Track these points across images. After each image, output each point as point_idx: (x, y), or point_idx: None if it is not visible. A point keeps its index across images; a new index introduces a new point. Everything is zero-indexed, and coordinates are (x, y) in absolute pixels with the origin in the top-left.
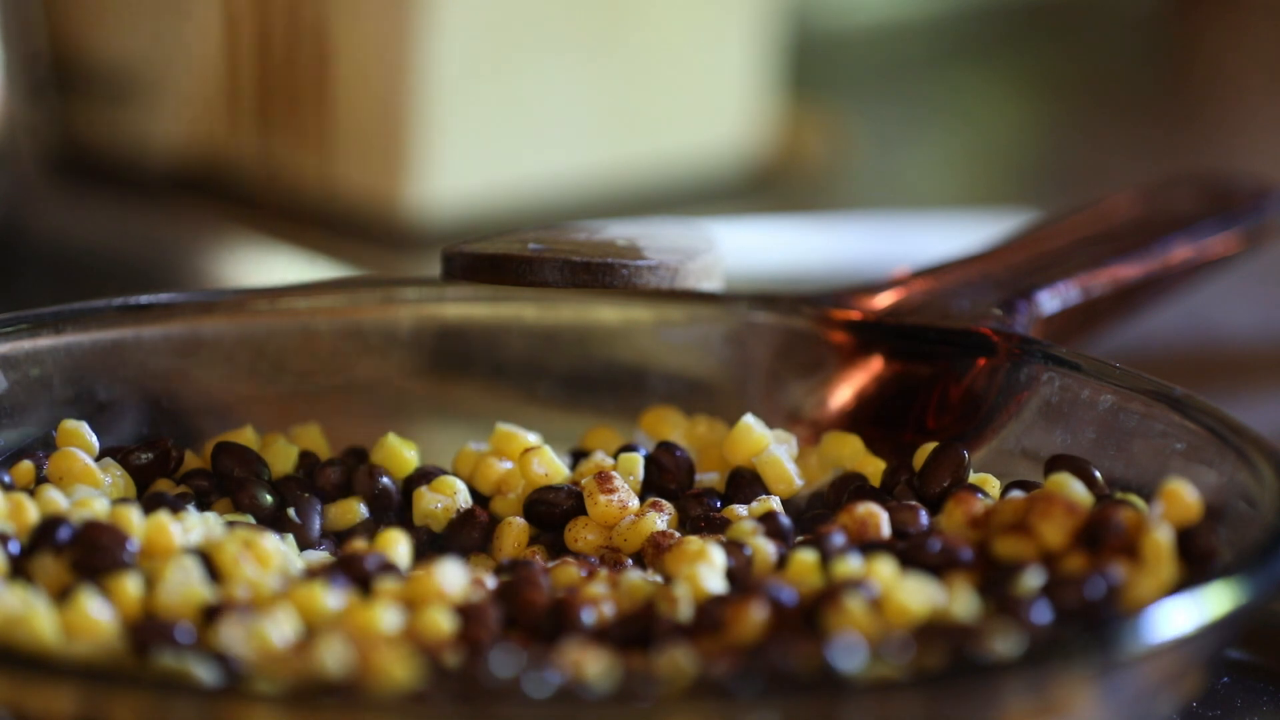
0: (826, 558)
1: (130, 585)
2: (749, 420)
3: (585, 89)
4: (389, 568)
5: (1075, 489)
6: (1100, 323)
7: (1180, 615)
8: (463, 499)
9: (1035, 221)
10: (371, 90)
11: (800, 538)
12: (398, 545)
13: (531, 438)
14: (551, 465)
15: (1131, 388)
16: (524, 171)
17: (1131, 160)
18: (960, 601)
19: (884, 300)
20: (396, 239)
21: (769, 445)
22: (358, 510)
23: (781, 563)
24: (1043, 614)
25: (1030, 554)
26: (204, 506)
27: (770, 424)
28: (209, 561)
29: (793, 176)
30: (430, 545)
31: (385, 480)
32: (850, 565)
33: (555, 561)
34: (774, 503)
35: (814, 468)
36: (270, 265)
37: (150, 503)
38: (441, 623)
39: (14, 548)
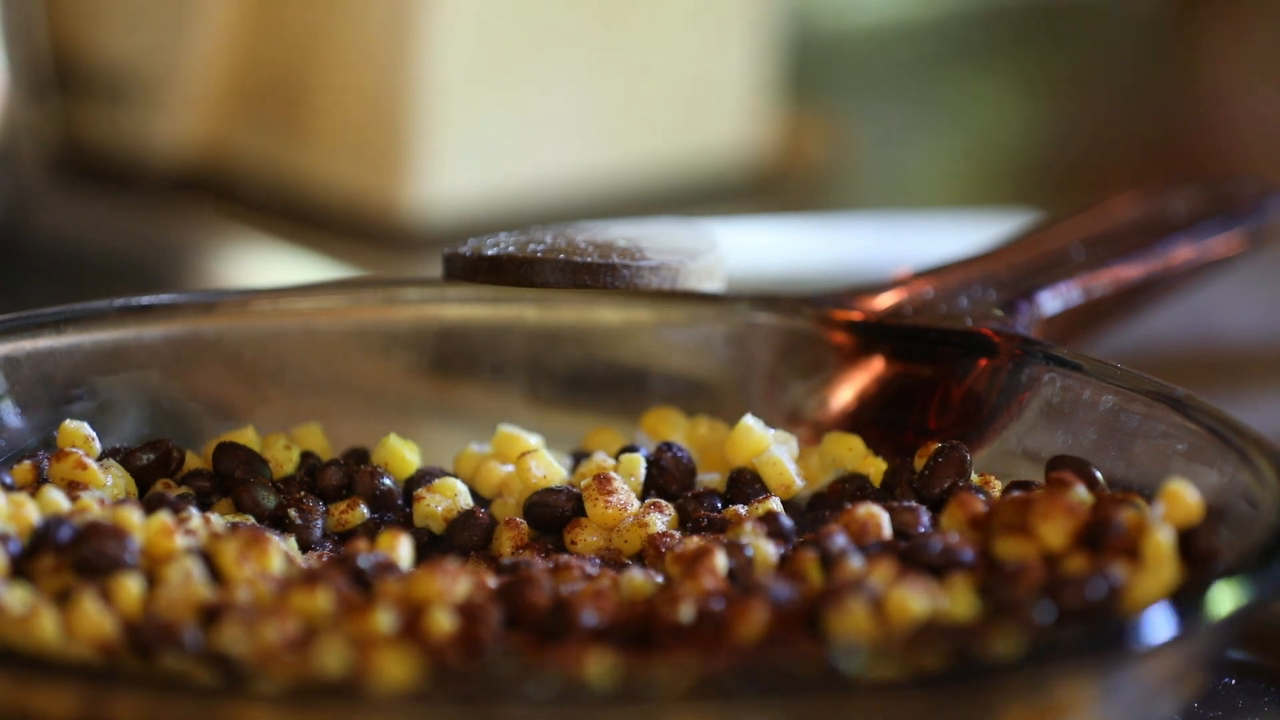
0: (827, 558)
1: (130, 585)
2: (750, 421)
3: (586, 89)
4: (389, 568)
5: (1076, 490)
6: (1101, 323)
7: (1181, 616)
8: (464, 500)
9: (1036, 222)
10: (372, 90)
11: (801, 538)
12: (399, 545)
13: (533, 440)
14: (549, 467)
15: (1133, 388)
16: (524, 172)
17: (1131, 160)
18: (961, 602)
19: (885, 301)
20: (396, 239)
21: (770, 446)
22: (359, 511)
23: (782, 563)
24: (1043, 614)
25: (1031, 555)
26: (205, 507)
27: (771, 425)
28: (210, 562)
29: (794, 177)
30: (430, 545)
31: (387, 481)
32: (851, 566)
33: (556, 562)
34: (775, 503)
35: (815, 468)
36: (271, 265)
37: (151, 503)
38: (441, 623)
39: (15, 548)
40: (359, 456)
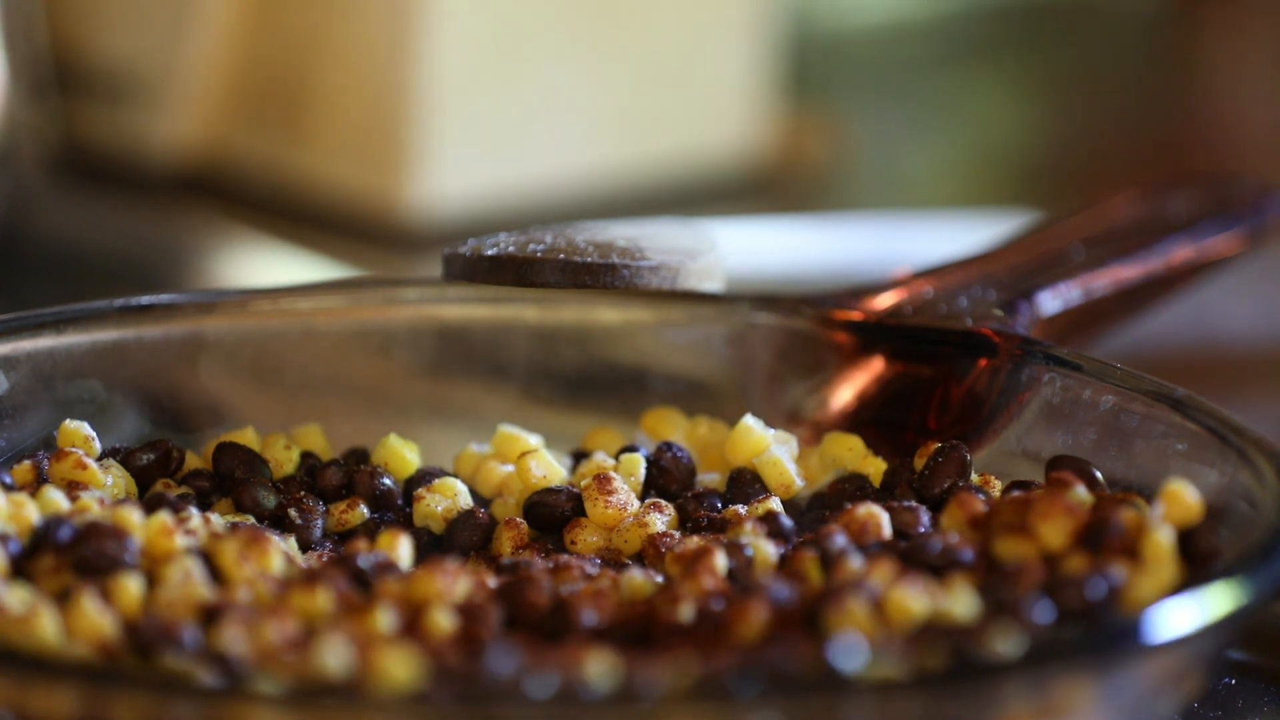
0: (827, 558)
1: (130, 585)
2: (750, 421)
3: (587, 90)
4: (389, 568)
5: (1076, 490)
6: (1101, 323)
7: (1181, 616)
8: (464, 500)
9: (1036, 222)
10: (372, 90)
11: (801, 538)
12: (399, 545)
13: (533, 440)
14: (549, 467)
15: (1132, 388)
16: (525, 172)
17: (1131, 160)
18: (961, 602)
19: (885, 301)
20: (396, 239)
21: (770, 446)
22: (359, 511)
23: (782, 563)
24: (1043, 614)
25: (1031, 554)
26: (205, 507)
27: (771, 425)
28: (210, 562)
29: (794, 177)
30: (430, 545)
31: (386, 481)
32: (851, 566)
33: (556, 562)
34: (775, 503)
35: (815, 468)
36: (270, 265)
37: (151, 503)
38: (441, 623)
39: (15, 548)
40: (359, 456)
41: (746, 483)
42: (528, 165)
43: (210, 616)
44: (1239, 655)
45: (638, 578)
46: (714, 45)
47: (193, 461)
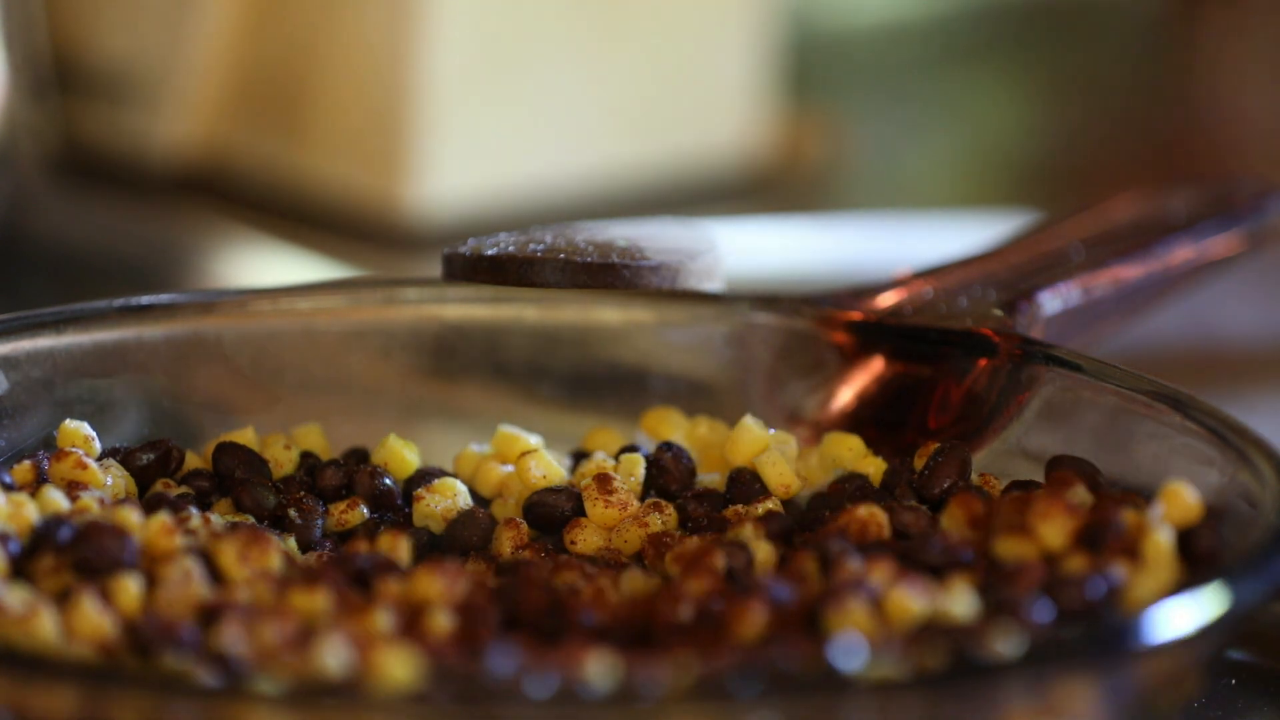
0: (827, 558)
1: (130, 585)
2: (750, 421)
3: (586, 90)
4: (389, 568)
5: (1076, 490)
6: (1101, 324)
7: (1181, 616)
8: (464, 500)
9: (1036, 222)
10: (372, 90)
11: (801, 538)
12: (398, 545)
13: (533, 440)
14: (549, 468)
15: (1132, 388)
16: (524, 172)
17: (1131, 160)
18: (960, 602)
19: (885, 301)
20: (396, 239)
21: (770, 446)
22: (359, 511)
23: (782, 563)
24: (1043, 614)
25: (1031, 554)
26: (205, 507)
27: (771, 425)
28: (209, 562)
29: (794, 177)
30: (430, 546)
31: (386, 481)
32: (851, 566)
33: (556, 562)
34: (775, 503)
35: (815, 468)
36: (270, 265)
37: (151, 503)
38: (441, 623)
39: (14, 548)
40: (359, 456)
41: (746, 483)
42: (528, 165)
43: (210, 616)
44: (1239, 655)
45: (638, 578)
46: (714, 45)
47: (193, 461)
